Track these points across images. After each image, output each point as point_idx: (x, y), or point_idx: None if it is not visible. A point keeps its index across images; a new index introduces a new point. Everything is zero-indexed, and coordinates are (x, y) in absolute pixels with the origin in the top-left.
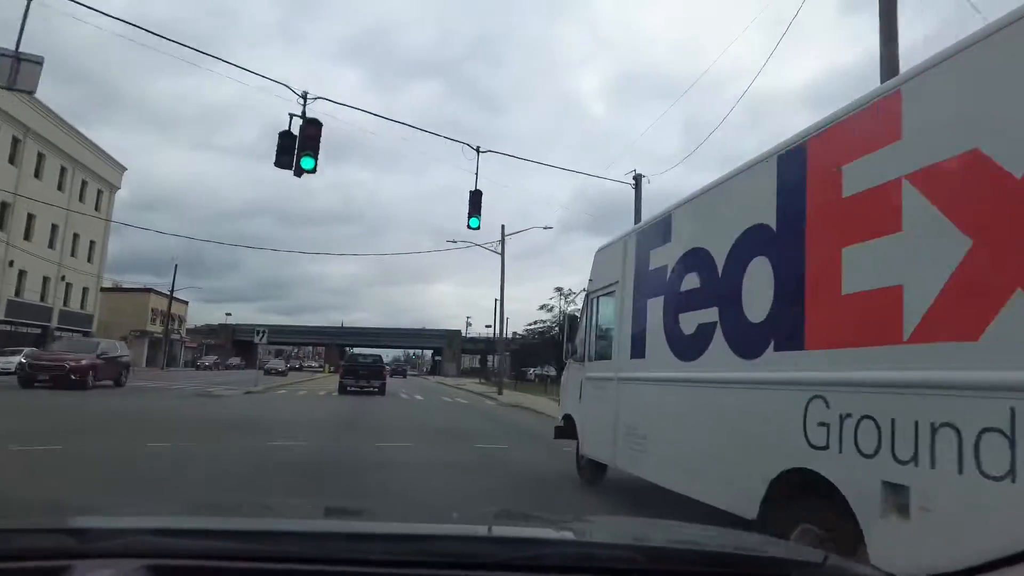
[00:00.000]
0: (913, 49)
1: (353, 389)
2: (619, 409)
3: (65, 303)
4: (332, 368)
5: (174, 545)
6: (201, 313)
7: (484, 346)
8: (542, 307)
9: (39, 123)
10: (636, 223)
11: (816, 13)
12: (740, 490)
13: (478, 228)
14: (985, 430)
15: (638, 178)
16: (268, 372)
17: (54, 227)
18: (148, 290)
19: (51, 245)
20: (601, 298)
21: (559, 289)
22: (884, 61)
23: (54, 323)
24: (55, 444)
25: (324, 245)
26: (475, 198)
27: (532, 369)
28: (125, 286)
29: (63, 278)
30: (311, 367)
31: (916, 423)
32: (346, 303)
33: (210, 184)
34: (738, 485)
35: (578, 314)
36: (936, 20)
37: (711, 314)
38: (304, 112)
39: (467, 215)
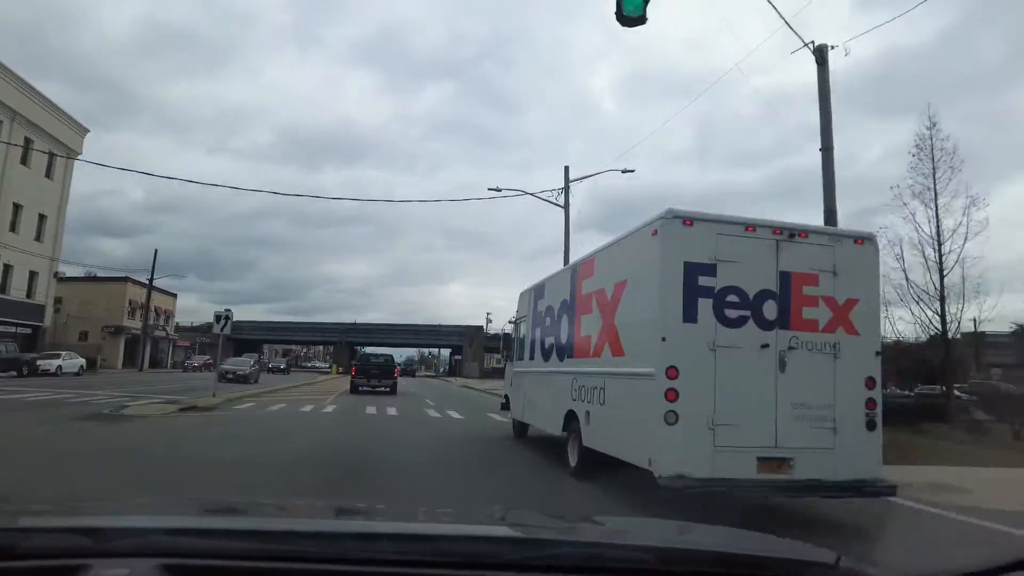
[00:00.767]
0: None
1: (365, 389)
2: (524, 388)
3: (2, 290)
4: (341, 368)
5: (188, 544)
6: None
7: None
8: None
9: None
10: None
11: (830, 7)
12: (555, 419)
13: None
14: (600, 391)
15: (822, 49)
16: (227, 377)
17: None
18: (125, 279)
19: None
20: (520, 324)
21: None
22: (825, 165)
23: None
24: None
25: (338, 245)
26: None
27: None
28: (100, 275)
29: None
30: (315, 367)
31: (589, 388)
32: (360, 303)
33: (225, 186)
34: (555, 417)
35: (510, 332)
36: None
37: (551, 339)
38: None
39: None
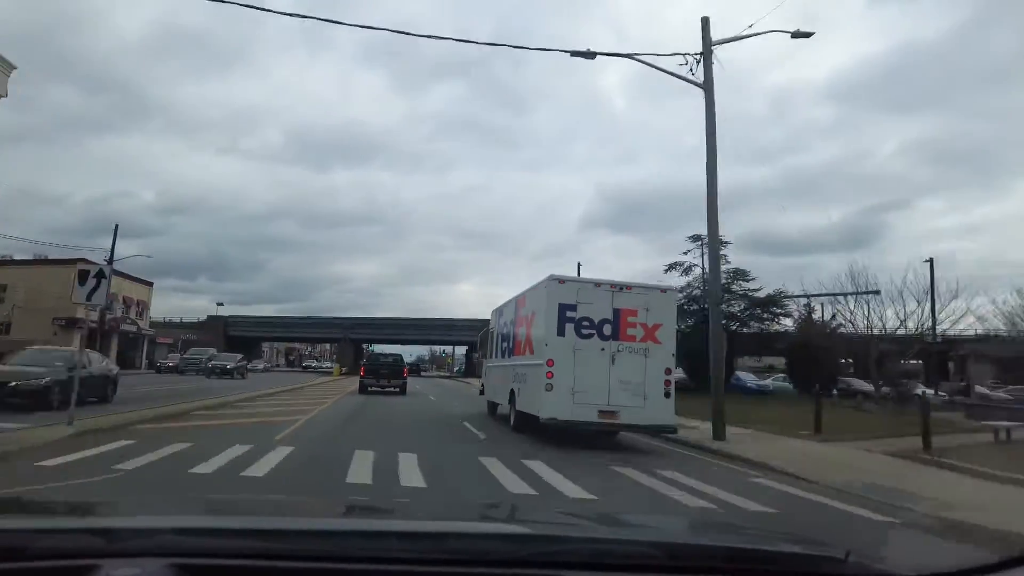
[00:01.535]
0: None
1: (374, 389)
2: (491, 376)
3: None
4: (345, 368)
5: (197, 544)
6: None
7: None
8: (672, 268)
9: None
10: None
11: (842, 3)
12: (505, 395)
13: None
14: (524, 375)
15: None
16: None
17: None
18: (79, 261)
19: None
20: (491, 332)
21: (696, 238)
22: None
23: None
24: None
25: (347, 246)
26: None
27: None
28: (52, 257)
29: None
30: (318, 367)
31: (519, 374)
32: (370, 303)
33: (235, 187)
34: (505, 394)
35: (483, 337)
36: None
37: (505, 344)
38: None
39: None
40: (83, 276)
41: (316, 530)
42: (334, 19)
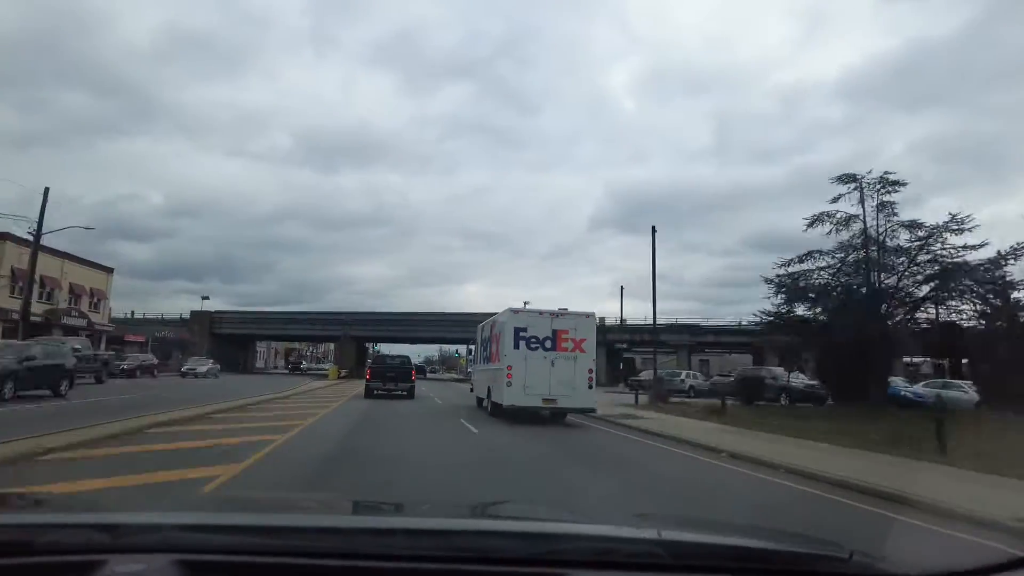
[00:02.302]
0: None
1: (381, 392)
2: (477, 378)
3: None
4: (343, 371)
5: (204, 540)
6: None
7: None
8: (817, 221)
9: None
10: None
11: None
12: (484, 391)
13: None
14: (495, 377)
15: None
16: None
17: None
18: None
19: None
20: (477, 344)
21: (849, 178)
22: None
23: None
24: None
25: (355, 248)
26: None
27: (792, 376)
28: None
29: None
30: (304, 369)
31: (492, 376)
32: (378, 304)
33: (243, 189)
34: (484, 390)
35: (471, 349)
36: None
37: (485, 353)
38: None
39: None
40: None
41: (322, 527)
42: (344, 19)
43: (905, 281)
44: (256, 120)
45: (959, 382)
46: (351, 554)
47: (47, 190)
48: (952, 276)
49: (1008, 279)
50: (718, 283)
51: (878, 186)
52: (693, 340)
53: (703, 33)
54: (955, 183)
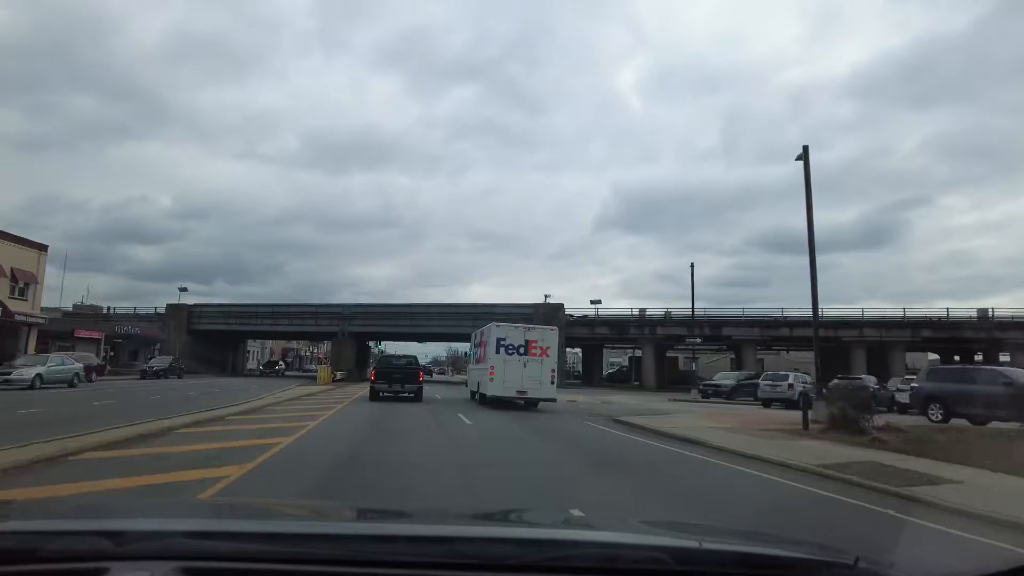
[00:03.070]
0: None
1: (387, 395)
2: (472, 376)
3: None
4: (339, 373)
5: (206, 547)
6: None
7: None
8: None
9: None
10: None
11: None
12: (475, 386)
13: None
14: (483, 374)
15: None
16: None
17: None
18: None
19: None
20: (473, 348)
21: None
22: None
23: None
24: None
25: (363, 249)
26: None
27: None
28: None
29: None
30: (279, 370)
31: (482, 374)
32: (379, 298)
33: (252, 192)
34: (475, 385)
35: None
36: None
37: (477, 355)
38: None
39: None
40: None
41: (325, 534)
42: (353, 21)
43: None
44: (265, 122)
45: None
46: (354, 561)
47: None
48: None
49: None
50: (726, 282)
51: None
52: (764, 335)
53: (712, 32)
54: (969, 180)
